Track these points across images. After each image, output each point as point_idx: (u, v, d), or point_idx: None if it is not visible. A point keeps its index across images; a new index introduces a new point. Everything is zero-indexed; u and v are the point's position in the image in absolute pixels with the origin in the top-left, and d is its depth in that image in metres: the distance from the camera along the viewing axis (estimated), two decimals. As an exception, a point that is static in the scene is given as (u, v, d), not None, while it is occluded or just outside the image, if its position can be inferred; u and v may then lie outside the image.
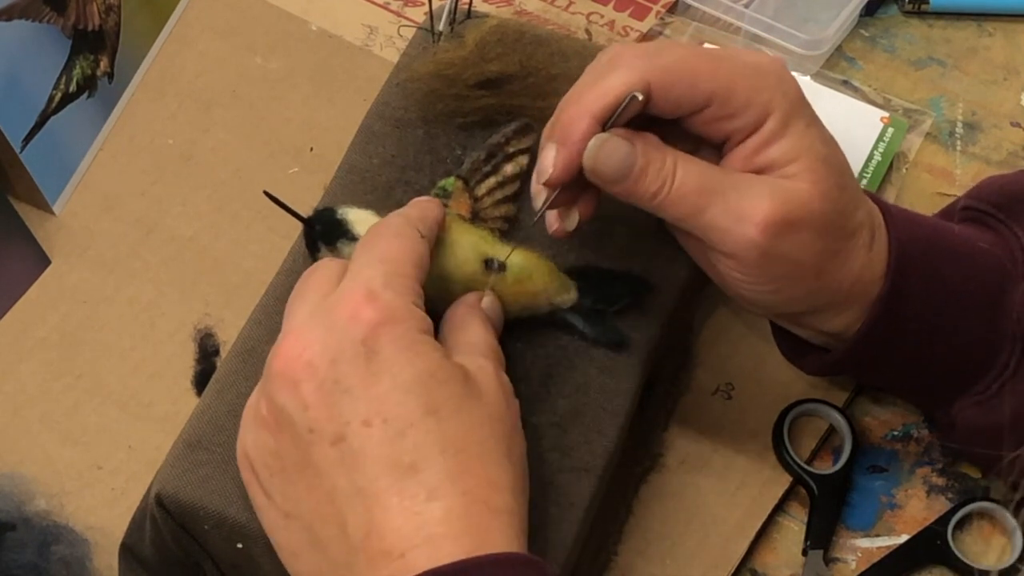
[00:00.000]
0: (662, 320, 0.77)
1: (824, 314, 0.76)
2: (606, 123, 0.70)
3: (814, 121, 0.72)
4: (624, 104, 0.69)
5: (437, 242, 0.71)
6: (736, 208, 0.70)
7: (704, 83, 0.70)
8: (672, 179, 0.70)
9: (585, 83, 0.71)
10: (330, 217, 0.73)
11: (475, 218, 0.76)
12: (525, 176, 0.79)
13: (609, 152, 0.70)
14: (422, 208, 0.72)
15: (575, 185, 0.72)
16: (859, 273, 0.74)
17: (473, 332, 0.70)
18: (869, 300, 0.75)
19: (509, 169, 0.79)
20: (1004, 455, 0.76)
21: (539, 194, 0.72)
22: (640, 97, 0.68)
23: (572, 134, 0.70)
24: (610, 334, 0.75)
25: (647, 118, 0.71)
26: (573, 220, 0.73)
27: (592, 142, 0.69)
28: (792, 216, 0.70)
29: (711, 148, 0.73)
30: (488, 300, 0.72)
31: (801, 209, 0.70)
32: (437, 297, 0.69)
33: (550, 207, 0.72)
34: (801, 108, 0.71)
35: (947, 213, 0.83)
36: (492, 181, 0.78)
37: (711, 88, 0.70)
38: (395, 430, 0.63)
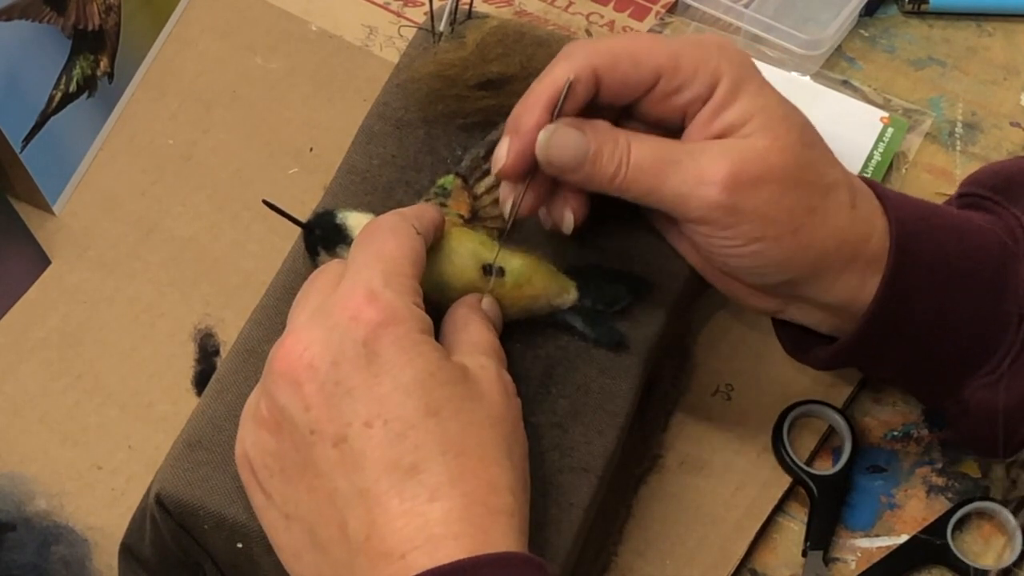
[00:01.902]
0: (662, 321, 0.77)
1: (820, 281, 0.74)
2: (554, 113, 0.71)
3: (767, 84, 0.73)
4: (565, 91, 0.70)
5: (436, 248, 0.71)
6: (695, 173, 0.70)
7: (648, 61, 0.71)
8: (627, 158, 0.71)
9: (537, 79, 0.72)
10: (330, 222, 0.73)
11: (474, 217, 0.76)
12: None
13: (560, 140, 0.71)
14: (419, 207, 0.73)
15: (546, 182, 0.73)
16: (845, 233, 0.73)
17: (474, 331, 0.70)
18: (862, 265, 0.74)
19: (509, 167, 0.79)
20: (1008, 435, 0.76)
21: (506, 197, 0.73)
22: (572, 77, 0.70)
23: (523, 124, 0.71)
24: (610, 335, 0.75)
25: (601, 108, 0.72)
26: (568, 221, 0.74)
27: (541, 133, 0.71)
28: (751, 171, 0.70)
29: (668, 133, 0.73)
30: (488, 300, 0.72)
31: (760, 163, 0.70)
32: (436, 304, 0.69)
33: (522, 212, 0.73)
34: (750, 71, 0.72)
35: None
36: (491, 179, 0.78)
37: (655, 63, 0.71)
38: (396, 431, 0.63)
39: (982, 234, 0.77)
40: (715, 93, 0.71)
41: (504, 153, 0.71)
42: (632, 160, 0.71)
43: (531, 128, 0.71)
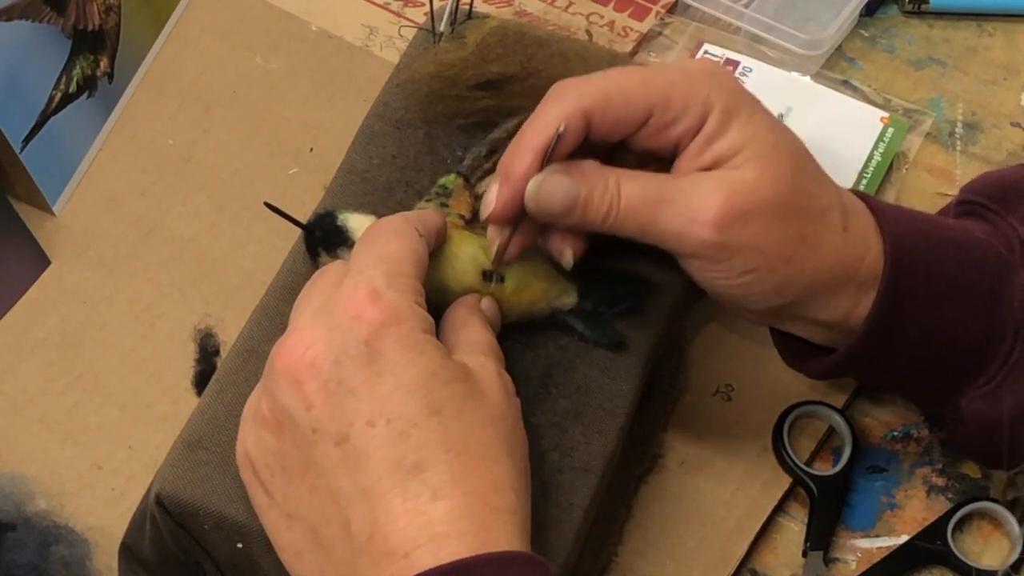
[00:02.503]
0: (663, 321, 0.77)
1: (814, 303, 0.75)
2: (545, 159, 0.70)
3: (758, 110, 0.72)
4: (556, 138, 0.70)
5: (437, 253, 0.71)
6: (685, 211, 0.70)
7: (639, 97, 0.70)
8: (618, 199, 0.71)
9: (527, 121, 0.72)
10: (330, 223, 0.73)
11: (475, 218, 0.76)
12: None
13: (549, 188, 0.71)
14: (422, 212, 0.73)
15: (538, 223, 0.72)
16: (838, 256, 0.73)
17: (474, 331, 0.70)
18: (857, 284, 0.74)
19: (510, 167, 0.79)
20: (1013, 447, 0.76)
21: (492, 239, 0.73)
22: (563, 128, 0.69)
23: (513, 171, 0.71)
24: (610, 336, 0.75)
25: (592, 145, 0.72)
26: (568, 258, 0.74)
27: (531, 183, 0.70)
28: (742, 206, 0.70)
29: (660, 163, 0.73)
30: (487, 301, 0.72)
31: (750, 197, 0.70)
32: (436, 308, 0.69)
33: (509, 255, 0.73)
34: (741, 100, 0.72)
35: (944, 213, 0.83)
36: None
37: (647, 100, 0.70)
38: (398, 430, 0.63)
39: (979, 247, 0.77)
40: (706, 124, 0.71)
41: (493, 199, 0.71)
42: (623, 201, 0.70)
43: (520, 176, 0.70)
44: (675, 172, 0.72)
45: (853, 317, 0.75)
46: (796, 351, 0.80)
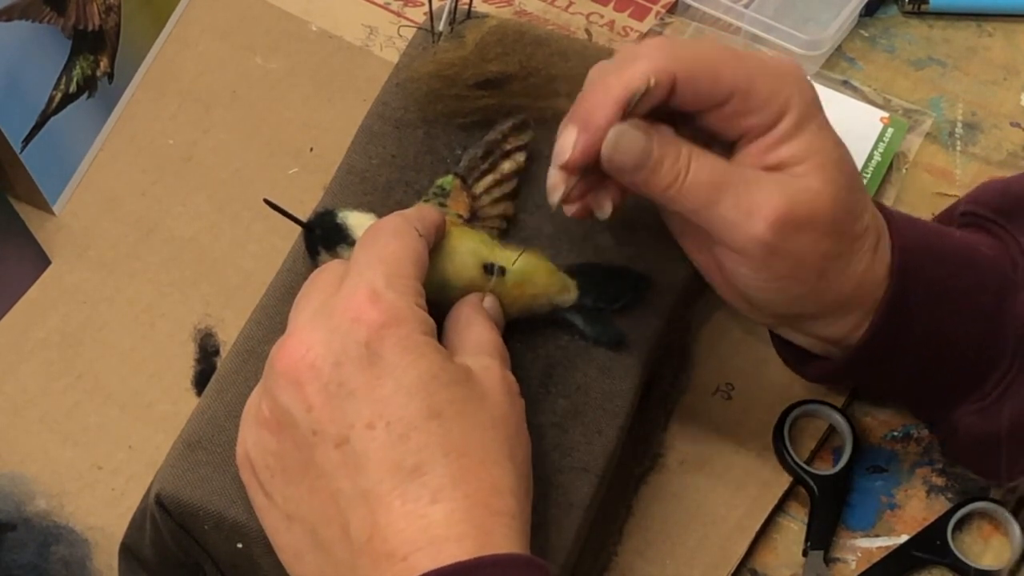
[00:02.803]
0: (662, 320, 0.77)
1: (825, 319, 0.76)
2: (627, 111, 0.69)
3: (826, 124, 0.72)
4: (643, 92, 0.68)
5: (436, 248, 0.71)
6: (746, 203, 0.70)
7: (727, 78, 0.70)
8: (686, 172, 0.70)
9: (609, 70, 0.71)
10: (330, 222, 0.73)
11: (473, 217, 0.76)
12: (523, 174, 0.79)
13: (628, 143, 0.69)
14: (420, 209, 0.73)
15: (593, 173, 0.71)
16: (861, 277, 0.74)
17: (478, 331, 0.70)
18: (869, 305, 0.75)
19: (507, 167, 0.79)
20: (1003, 463, 0.76)
21: (556, 185, 0.71)
22: (653, 82, 0.68)
23: (594, 119, 0.69)
24: (610, 333, 0.75)
25: (664, 111, 0.71)
26: (607, 209, 0.73)
27: (612, 132, 0.69)
28: (800, 214, 0.70)
29: (722, 146, 0.73)
30: (490, 300, 0.72)
31: (810, 208, 0.70)
32: (438, 304, 0.69)
33: (570, 201, 0.72)
34: (816, 111, 0.72)
35: (947, 216, 0.83)
36: (490, 179, 0.78)
37: (733, 83, 0.70)
38: (398, 433, 0.63)
39: (983, 263, 0.77)
40: (779, 124, 0.71)
41: (570, 146, 0.70)
42: (690, 175, 0.70)
43: (602, 125, 0.69)
44: (736, 162, 0.71)
45: (852, 337, 0.76)
46: (794, 353, 0.80)
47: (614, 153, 0.70)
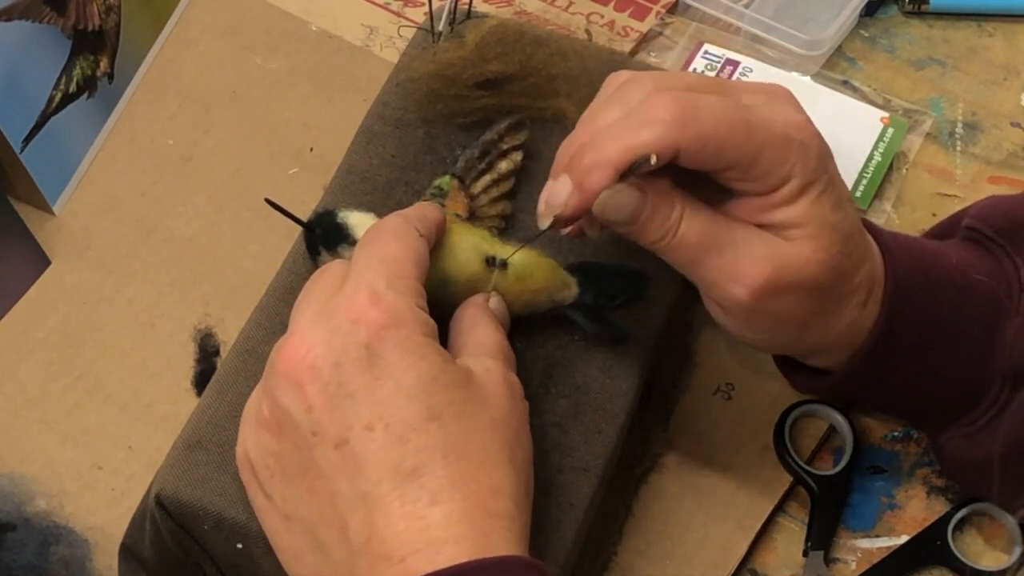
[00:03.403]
0: (662, 320, 0.77)
1: (813, 356, 0.78)
2: (624, 175, 0.69)
3: (829, 186, 0.71)
4: (642, 163, 0.68)
5: (438, 245, 0.71)
6: (731, 266, 0.70)
7: (732, 151, 0.69)
8: (676, 229, 0.70)
9: (615, 126, 0.69)
10: (331, 221, 0.73)
11: (472, 217, 0.76)
12: (520, 173, 0.79)
13: (620, 201, 0.70)
14: (421, 208, 0.72)
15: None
16: (846, 329, 0.75)
17: (482, 333, 0.70)
18: (854, 348, 0.76)
19: (503, 166, 0.79)
20: (993, 488, 0.77)
21: (545, 216, 0.71)
22: (654, 161, 0.67)
23: (591, 183, 0.69)
24: (611, 329, 0.75)
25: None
26: (596, 232, 0.73)
27: (605, 193, 0.69)
28: (785, 280, 0.70)
29: (717, 185, 0.72)
30: (495, 300, 0.72)
31: (795, 274, 0.71)
32: (441, 300, 0.69)
33: (557, 226, 0.72)
34: (819, 174, 0.71)
35: (951, 224, 0.82)
36: (487, 179, 0.78)
37: (737, 157, 0.69)
38: (397, 435, 0.63)
39: (978, 289, 0.77)
40: (778, 191, 0.70)
41: (562, 203, 0.69)
42: (679, 235, 0.70)
43: (597, 189, 0.69)
44: (732, 211, 0.71)
45: (842, 367, 0.77)
46: (786, 362, 0.81)
47: (605, 211, 0.70)
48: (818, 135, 0.72)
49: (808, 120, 0.71)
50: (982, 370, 0.77)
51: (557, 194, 0.70)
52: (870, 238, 0.75)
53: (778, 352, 0.79)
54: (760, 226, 0.71)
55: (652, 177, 0.69)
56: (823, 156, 0.71)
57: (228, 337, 0.87)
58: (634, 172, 0.68)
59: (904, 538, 0.82)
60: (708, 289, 0.72)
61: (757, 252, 0.70)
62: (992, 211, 0.80)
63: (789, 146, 0.70)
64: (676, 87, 0.70)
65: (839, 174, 0.73)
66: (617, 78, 0.73)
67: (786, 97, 0.72)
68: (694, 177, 0.70)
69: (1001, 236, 0.79)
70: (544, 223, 0.71)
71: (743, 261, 0.70)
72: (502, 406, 0.66)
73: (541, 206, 0.71)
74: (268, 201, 0.72)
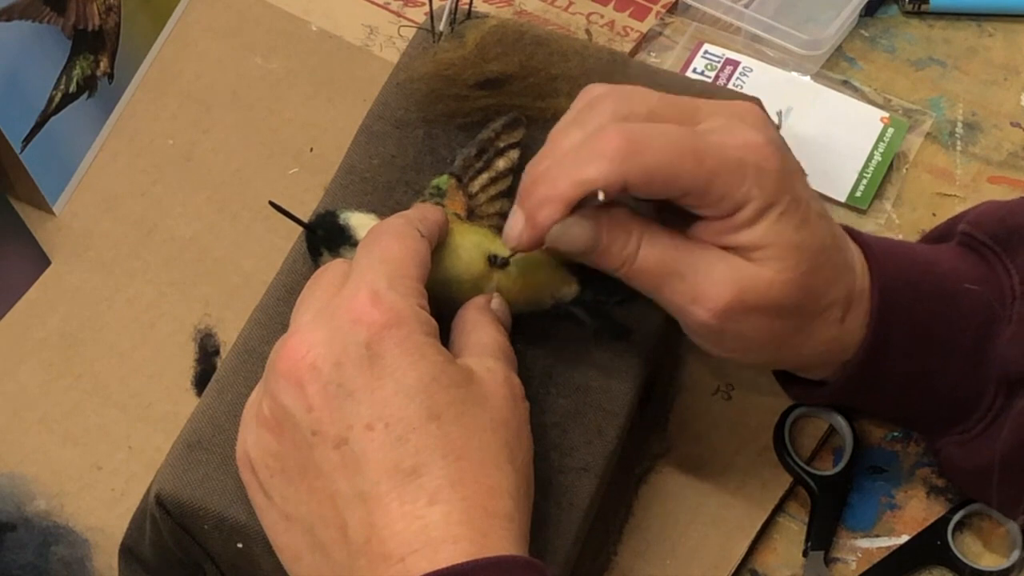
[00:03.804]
0: (662, 319, 0.77)
1: (797, 370, 0.78)
2: (575, 208, 0.69)
3: (792, 205, 0.70)
4: (588, 196, 0.68)
5: (441, 245, 0.71)
6: (692, 290, 0.70)
7: (683, 180, 0.69)
8: (634, 257, 0.70)
9: (566, 158, 0.69)
10: (332, 222, 0.73)
11: (471, 215, 0.76)
12: (518, 170, 0.79)
13: (573, 234, 0.70)
14: (422, 209, 0.72)
15: None
16: (827, 344, 0.74)
17: (484, 333, 0.70)
18: (838, 364, 0.76)
19: (501, 164, 0.78)
20: (993, 494, 0.77)
21: (507, 245, 0.72)
22: (601, 197, 0.68)
23: (542, 217, 0.69)
24: (613, 325, 0.75)
25: None
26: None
27: (557, 227, 0.69)
28: (749, 302, 0.70)
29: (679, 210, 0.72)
30: (497, 301, 0.72)
31: (758, 296, 0.70)
32: (444, 300, 0.69)
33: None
34: (779, 195, 0.70)
35: (948, 228, 0.82)
36: (485, 177, 0.78)
37: (689, 185, 0.69)
38: (397, 434, 0.63)
39: (969, 297, 0.77)
40: (737, 215, 0.70)
41: (516, 236, 0.70)
42: (638, 261, 0.70)
43: (547, 224, 0.69)
44: (696, 234, 0.71)
45: (832, 378, 0.77)
46: (782, 372, 0.81)
47: (558, 243, 0.70)
48: (778, 155, 0.70)
49: (768, 141, 0.70)
50: (975, 378, 0.76)
51: (512, 227, 0.71)
52: (853, 250, 0.75)
53: (760, 367, 0.80)
54: (725, 248, 0.70)
55: (609, 206, 0.69)
56: (784, 176, 0.70)
57: (228, 337, 0.87)
58: (585, 206, 0.69)
59: (904, 538, 0.82)
60: (674, 312, 0.72)
61: (719, 275, 0.70)
62: (987, 217, 0.80)
63: (743, 169, 0.69)
64: (637, 112, 0.70)
65: (808, 191, 0.72)
66: (588, 93, 0.73)
67: (751, 117, 0.71)
68: (663, 200, 0.70)
69: (996, 242, 0.78)
70: (510, 245, 0.71)
71: (705, 284, 0.70)
72: (503, 407, 0.66)
73: (503, 236, 0.72)
74: (272, 204, 0.72)
